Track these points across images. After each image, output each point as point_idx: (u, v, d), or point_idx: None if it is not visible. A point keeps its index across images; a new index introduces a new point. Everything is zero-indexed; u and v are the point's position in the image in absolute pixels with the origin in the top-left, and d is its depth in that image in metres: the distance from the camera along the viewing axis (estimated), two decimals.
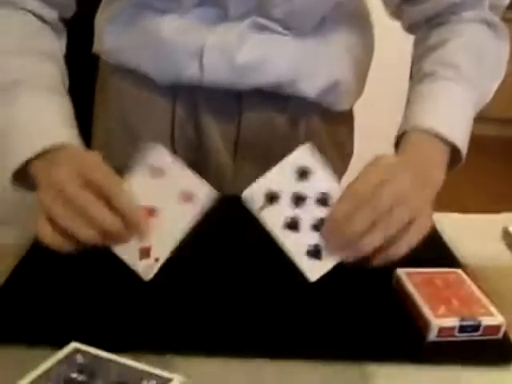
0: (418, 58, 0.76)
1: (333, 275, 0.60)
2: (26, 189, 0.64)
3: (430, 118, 0.66)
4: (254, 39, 0.74)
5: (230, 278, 0.64)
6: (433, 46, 0.74)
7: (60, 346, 0.50)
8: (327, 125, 0.86)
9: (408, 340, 0.57)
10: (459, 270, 0.65)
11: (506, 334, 0.58)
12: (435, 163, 0.65)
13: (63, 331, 0.54)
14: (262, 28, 0.74)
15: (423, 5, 0.76)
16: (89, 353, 0.49)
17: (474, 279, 0.66)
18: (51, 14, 0.74)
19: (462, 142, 0.67)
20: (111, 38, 0.80)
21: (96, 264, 0.64)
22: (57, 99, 0.67)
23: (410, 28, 0.82)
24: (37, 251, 0.66)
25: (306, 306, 0.60)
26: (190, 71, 0.75)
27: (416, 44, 0.80)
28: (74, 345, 0.50)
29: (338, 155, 0.90)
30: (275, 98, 0.79)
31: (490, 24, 0.75)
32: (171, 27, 0.75)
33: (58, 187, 0.56)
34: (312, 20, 0.76)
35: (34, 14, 0.72)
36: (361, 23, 0.85)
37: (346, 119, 0.91)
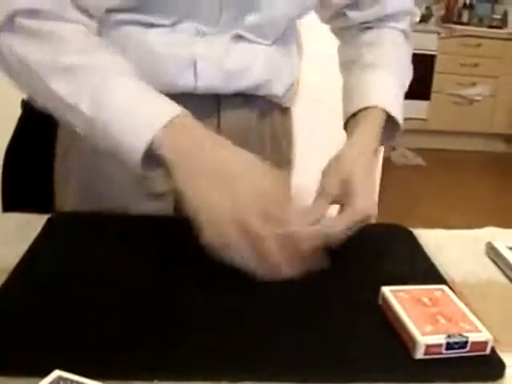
0: (346, 52, 0.94)
1: (317, 292, 0.60)
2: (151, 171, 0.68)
3: (381, 98, 0.83)
4: (237, 48, 0.83)
5: (213, 300, 0.63)
6: (366, 43, 0.91)
7: (43, 374, 0.49)
8: (282, 118, 0.98)
9: (396, 359, 0.57)
10: (445, 287, 0.65)
11: (493, 350, 0.58)
12: (377, 137, 0.81)
13: (46, 359, 0.52)
14: (243, 39, 0.83)
15: (362, 12, 0.92)
16: (72, 381, 0.48)
17: (460, 295, 0.66)
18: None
19: (400, 114, 0.85)
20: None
21: (79, 290, 0.64)
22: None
23: (340, 30, 0.97)
24: (17, 276, 0.65)
25: (291, 327, 0.60)
26: (184, 81, 0.81)
27: (344, 42, 0.96)
28: (57, 373, 0.49)
29: (287, 143, 1.01)
30: (248, 97, 0.88)
31: (406, 35, 0.94)
32: (161, 41, 0.80)
33: (242, 224, 0.62)
34: (281, 30, 0.88)
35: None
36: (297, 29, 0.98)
37: (290, 113, 1.03)
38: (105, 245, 0.72)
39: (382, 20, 0.92)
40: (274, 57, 0.87)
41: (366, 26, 0.93)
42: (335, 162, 0.77)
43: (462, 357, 0.56)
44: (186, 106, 0.82)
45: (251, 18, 0.81)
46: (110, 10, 0.78)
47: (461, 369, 0.56)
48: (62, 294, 0.63)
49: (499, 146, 4.79)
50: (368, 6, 0.92)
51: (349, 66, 0.92)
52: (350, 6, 0.92)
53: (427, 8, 4.86)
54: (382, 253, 0.78)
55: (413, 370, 0.55)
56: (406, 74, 0.92)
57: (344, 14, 0.93)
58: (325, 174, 0.76)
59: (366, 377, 0.54)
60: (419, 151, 4.49)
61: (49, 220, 0.78)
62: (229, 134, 0.84)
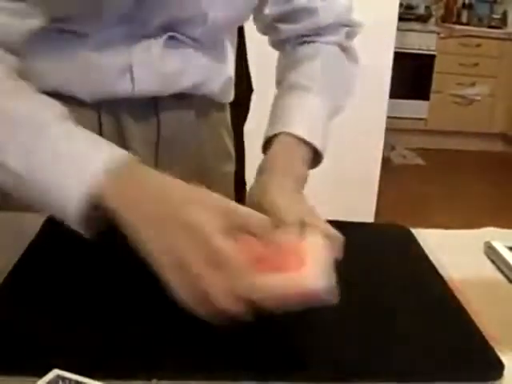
0: (283, 69, 0.91)
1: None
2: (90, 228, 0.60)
3: (297, 127, 0.79)
4: (173, 52, 0.83)
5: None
6: (298, 61, 0.89)
7: (41, 373, 0.49)
8: (220, 114, 0.99)
9: (395, 359, 0.57)
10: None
11: (492, 350, 0.58)
12: (302, 161, 0.78)
13: (44, 358, 0.52)
14: (179, 42, 0.83)
15: (294, 25, 0.90)
16: (71, 380, 0.48)
17: (459, 294, 0.66)
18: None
19: (322, 145, 0.81)
20: (28, 64, 0.78)
21: (77, 289, 0.64)
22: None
23: (276, 43, 0.95)
24: (16, 276, 0.65)
25: (291, 328, 0.60)
26: (121, 86, 0.81)
27: (280, 59, 0.95)
28: (55, 372, 0.49)
29: (228, 139, 1.02)
30: (184, 96, 0.87)
31: (343, 48, 0.92)
32: (94, 48, 0.79)
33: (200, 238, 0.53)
34: (219, 36, 0.90)
35: None
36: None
37: (227, 109, 1.03)
38: (105, 245, 0.72)
39: (316, 34, 0.90)
40: (210, 57, 0.87)
41: (300, 41, 0.91)
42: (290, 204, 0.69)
43: (461, 357, 0.57)
44: (124, 111, 0.85)
45: (185, 29, 0.81)
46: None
47: (460, 369, 0.56)
48: (62, 293, 0.63)
49: (498, 146, 4.80)
50: (300, 19, 0.89)
51: (278, 85, 0.90)
52: (282, 19, 0.90)
53: (427, 8, 4.86)
54: (380, 252, 0.78)
55: (413, 369, 0.55)
56: (343, 92, 0.90)
57: (276, 28, 0.91)
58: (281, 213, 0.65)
59: (365, 376, 0.54)
60: (418, 151, 4.49)
61: (47, 220, 0.78)
62: (169, 134, 0.88)
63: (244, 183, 1.19)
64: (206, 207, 0.55)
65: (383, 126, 2.76)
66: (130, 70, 0.80)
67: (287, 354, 0.56)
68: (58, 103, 0.68)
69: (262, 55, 1.24)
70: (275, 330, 0.59)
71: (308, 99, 0.83)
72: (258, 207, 0.64)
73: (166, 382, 0.52)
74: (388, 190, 3.17)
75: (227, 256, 0.52)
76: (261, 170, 0.76)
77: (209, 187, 0.60)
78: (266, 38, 0.97)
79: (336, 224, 0.81)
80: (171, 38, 0.82)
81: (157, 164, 0.89)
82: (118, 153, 0.61)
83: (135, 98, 0.82)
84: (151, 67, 0.81)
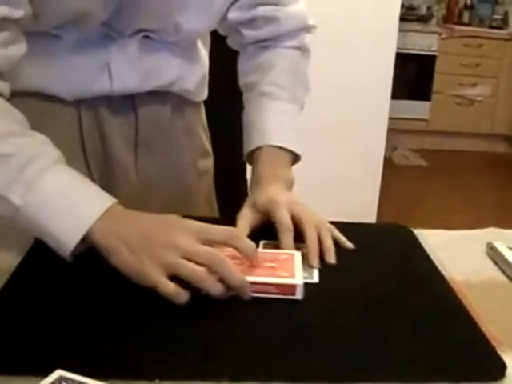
0: (249, 71, 0.96)
1: (317, 292, 0.59)
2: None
3: (279, 138, 0.88)
4: (149, 49, 0.85)
5: (213, 301, 0.64)
6: (263, 66, 0.93)
7: (44, 374, 0.49)
8: (195, 112, 1.01)
9: (396, 359, 0.57)
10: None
11: (494, 350, 0.58)
12: (286, 167, 0.87)
13: (47, 359, 0.53)
14: (154, 42, 0.85)
15: (256, 31, 0.93)
16: (74, 380, 0.49)
17: (461, 294, 0.66)
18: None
19: (299, 148, 0.89)
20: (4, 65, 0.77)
21: (80, 290, 0.64)
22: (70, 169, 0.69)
23: (238, 44, 0.98)
24: (19, 276, 0.66)
25: (290, 328, 0.60)
26: (99, 84, 0.83)
27: (243, 60, 0.98)
28: (58, 372, 0.49)
29: (206, 137, 1.04)
30: (160, 93, 0.90)
31: (302, 49, 0.96)
32: (71, 48, 0.81)
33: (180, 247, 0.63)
34: (193, 38, 0.93)
35: None
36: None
37: (202, 107, 1.05)
38: None
39: (278, 39, 0.93)
40: (184, 55, 0.90)
41: (262, 46, 0.94)
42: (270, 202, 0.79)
43: (463, 357, 0.57)
44: (103, 108, 0.87)
45: (160, 35, 0.84)
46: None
47: (461, 369, 0.56)
48: (64, 294, 0.63)
49: (500, 147, 4.79)
50: (263, 26, 0.92)
51: (248, 89, 0.95)
52: (244, 24, 0.92)
53: (428, 8, 4.86)
54: (382, 253, 0.78)
55: (414, 370, 0.55)
56: (303, 91, 0.95)
57: (239, 31, 0.93)
58: (270, 209, 0.78)
59: (366, 377, 0.54)
60: (420, 152, 4.49)
61: None
62: (146, 130, 0.91)
63: (245, 182, 1.20)
64: (182, 229, 0.65)
65: (385, 126, 2.76)
66: (108, 68, 0.83)
67: (287, 354, 0.56)
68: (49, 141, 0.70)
69: None
70: (276, 330, 0.59)
71: (281, 108, 0.91)
72: (263, 210, 0.78)
73: (168, 383, 0.52)
74: (390, 191, 3.17)
75: (210, 250, 0.63)
76: (256, 183, 0.84)
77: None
78: None
79: (338, 224, 0.81)
80: (146, 37, 0.84)
81: (136, 159, 0.91)
82: (108, 201, 0.67)
83: (114, 95, 0.85)
84: (128, 65, 0.84)
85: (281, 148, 0.87)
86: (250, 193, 0.86)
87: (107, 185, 0.83)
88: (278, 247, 0.74)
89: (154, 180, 0.93)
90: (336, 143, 2.60)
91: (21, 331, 0.57)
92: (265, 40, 0.94)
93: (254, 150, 0.88)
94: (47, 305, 0.61)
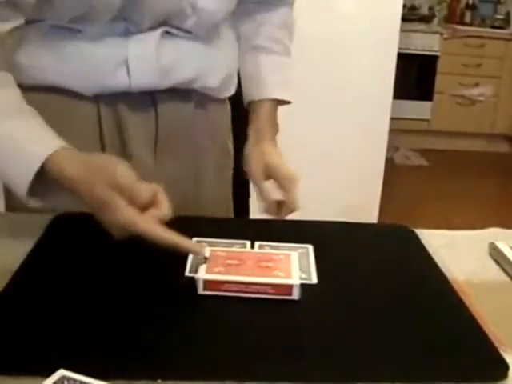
0: (246, 29, 1.00)
1: (316, 292, 0.59)
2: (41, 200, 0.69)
3: (277, 90, 0.98)
4: (168, 45, 0.85)
5: (213, 300, 0.64)
6: (260, 23, 1.00)
7: (47, 373, 0.49)
8: (219, 109, 1.01)
9: (396, 358, 0.57)
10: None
11: (496, 351, 0.58)
12: (276, 116, 0.98)
13: (50, 358, 0.53)
14: (173, 36, 0.85)
15: None
16: (76, 380, 0.49)
17: (463, 294, 0.66)
18: None
19: (290, 97, 0.99)
20: (25, 60, 0.81)
21: (83, 290, 0.64)
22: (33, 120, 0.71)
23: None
24: (22, 276, 0.66)
25: (290, 328, 0.60)
26: (118, 80, 0.83)
27: (240, 16, 0.99)
28: (61, 372, 0.49)
29: (229, 136, 1.05)
30: (182, 91, 0.90)
31: (288, 3, 1.03)
32: (90, 43, 0.81)
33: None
34: (212, 28, 0.91)
35: None
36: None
37: (227, 104, 1.05)
38: (109, 245, 0.72)
39: None
40: (206, 50, 0.89)
41: (258, 4, 0.99)
42: (256, 152, 0.94)
43: (465, 357, 0.57)
44: (122, 104, 0.87)
45: (177, 22, 0.84)
46: (33, 21, 0.78)
47: (464, 369, 0.56)
48: (67, 294, 0.63)
49: (502, 147, 4.78)
50: None
51: (245, 44, 1.00)
52: None
53: (430, 8, 4.85)
54: (384, 253, 0.78)
55: (414, 369, 0.55)
56: (291, 39, 1.03)
57: None
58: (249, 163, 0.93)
59: (366, 376, 0.54)
60: (422, 152, 4.48)
61: (53, 220, 0.78)
62: (167, 127, 0.90)
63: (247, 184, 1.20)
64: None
65: (387, 126, 2.76)
66: (126, 63, 0.82)
67: (288, 354, 0.56)
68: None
69: None
70: (276, 330, 0.59)
71: (278, 60, 0.99)
72: (260, 165, 0.92)
73: (171, 383, 0.52)
74: (391, 191, 3.17)
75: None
76: (255, 133, 0.96)
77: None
78: None
79: (340, 224, 0.81)
80: (165, 32, 0.83)
81: (155, 156, 0.90)
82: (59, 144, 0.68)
83: (132, 91, 0.84)
84: (147, 61, 0.83)
85: (278, 100, 0.98)
86: (249, 137, 0.96)
87: None
88: (273, 248, 0.74)
89: (173, 178, 0.91)
90: (337, 143, 2.60)
91: (24, 331, 0.57)
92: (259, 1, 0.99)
93: (254, 101, 0.97)
94: (50, 305, 0.61)
